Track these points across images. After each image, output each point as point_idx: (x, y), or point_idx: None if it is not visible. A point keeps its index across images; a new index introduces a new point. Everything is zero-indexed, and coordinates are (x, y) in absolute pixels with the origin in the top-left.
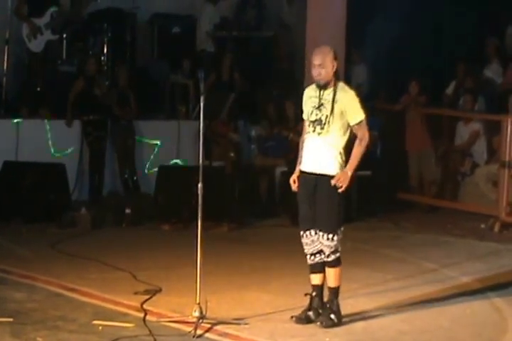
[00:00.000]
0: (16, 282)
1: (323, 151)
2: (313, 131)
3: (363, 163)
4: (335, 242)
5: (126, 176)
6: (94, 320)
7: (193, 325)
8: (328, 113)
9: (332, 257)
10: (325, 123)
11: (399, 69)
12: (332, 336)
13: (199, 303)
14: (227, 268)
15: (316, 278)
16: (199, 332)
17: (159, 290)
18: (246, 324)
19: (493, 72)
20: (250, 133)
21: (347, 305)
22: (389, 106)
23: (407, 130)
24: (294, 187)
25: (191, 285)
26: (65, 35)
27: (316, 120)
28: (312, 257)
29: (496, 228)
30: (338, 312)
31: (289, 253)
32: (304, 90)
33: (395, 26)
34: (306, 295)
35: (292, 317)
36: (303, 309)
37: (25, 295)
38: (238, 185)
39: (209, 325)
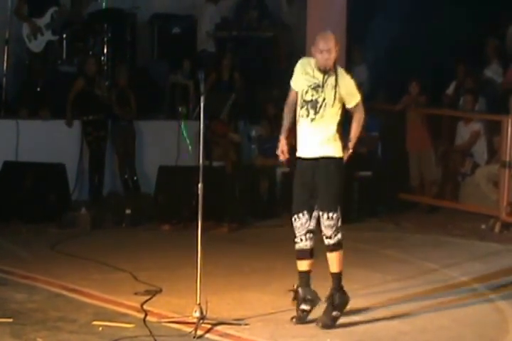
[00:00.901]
0: (16, 282)
1: (320, 136)
2: (307, 115)
3: (364, 163)
4: (334, 221)
5: (126, 176)
6: (95, 320)
7: (194, 326)
8: (328, 96)
9: (334, 239)
10: (321, 106)
11: (399, 69)
12: (333, 336)
13: (199, 304)
14: (227, 268)
15: (303, 264)
16: (199, 332)
17: (159, 291)
18: (246, 324)
19: (493, 72)
20: (250, 133)
21: (347, 306)
22: (389, 106)
23: (408, 130)
24: (283, 156)
25: (191, 285)
26: (65, 35)
27: (311, 100)
28: (302, 239)
29: (497, 228)
30: (340, 305)
31: (290, 254)
32: None
33: (395, 26)
34: (290, 291)
35: (292, 318)
36: (296, 308)
37: (25, 296)
38: (238, 185)
39: (209, 326)
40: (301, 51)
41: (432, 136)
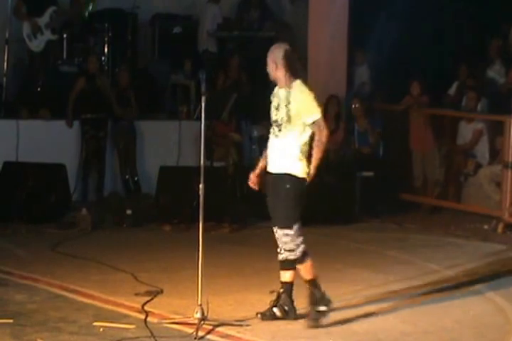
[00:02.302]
0: (16, 283)
1: (283, 152)
2: (273, 133)
3: (366, 163)
4: (292, 237)
5: (127, 177)
6: (95, 321)
7: (195, 327)
8: (284, 115)
9: (297, 253)
10: (281, 125)
11: (401, 69)
12: (334, 337)
13: (201, 305)
14: (228, 269)
15: (284, 275)
16: (201, 333)
17: (160, 292)
18: (248, 325)
19: (495, 72)
20: (252, 133)
21: (349, 307)
22: (391, 106)
23: (411, 130)
24: (253, 185)
25: (193, 286)
26: (65, 35)
27: (275, 120)
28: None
29: (499, 229)
30: (323, 299)
31: None
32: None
33: (396, 26)
34: (271, 292)
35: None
36: (268, 306)
37: (25, 297)
38: (240, 185)
39: (211, 327)
40: (303, 51)
41: (435, 136)
